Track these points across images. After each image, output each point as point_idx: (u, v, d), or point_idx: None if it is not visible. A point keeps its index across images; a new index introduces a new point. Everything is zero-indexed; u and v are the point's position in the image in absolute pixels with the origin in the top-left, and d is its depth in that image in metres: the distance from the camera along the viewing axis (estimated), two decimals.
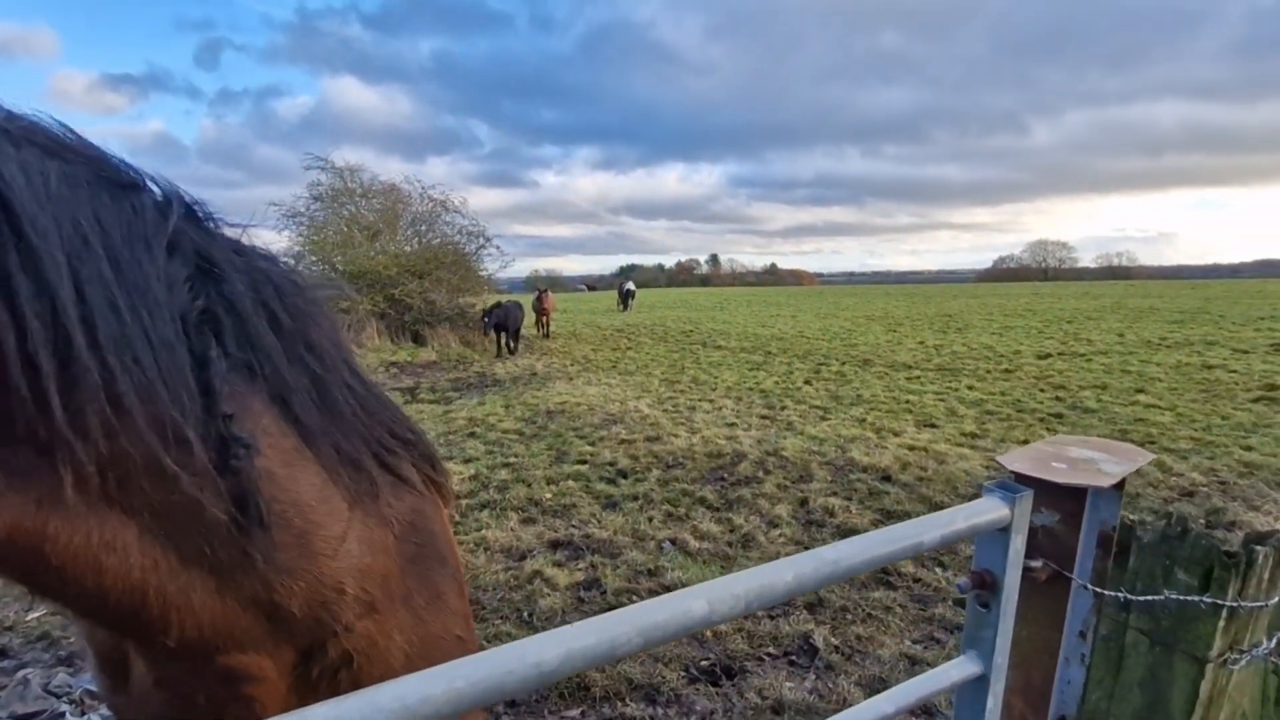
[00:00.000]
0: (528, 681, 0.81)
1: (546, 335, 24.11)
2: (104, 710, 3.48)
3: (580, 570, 5.20)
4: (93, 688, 3.65)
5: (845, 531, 5.93)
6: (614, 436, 9.27)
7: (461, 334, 20.78)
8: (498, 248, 23.61)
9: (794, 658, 4.09)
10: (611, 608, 4.45)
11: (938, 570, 5.06)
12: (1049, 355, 16.96)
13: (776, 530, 5.95)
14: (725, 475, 7.55)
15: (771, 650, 4.13)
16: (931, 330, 24.56)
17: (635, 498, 6.83)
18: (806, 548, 5.61)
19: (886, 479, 7.34)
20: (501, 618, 4.50)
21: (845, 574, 1.03)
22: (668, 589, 4.87)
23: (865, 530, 5.93)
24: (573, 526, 6.09)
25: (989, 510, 1.22)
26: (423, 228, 22.60)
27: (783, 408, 11.14)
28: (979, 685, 1.27)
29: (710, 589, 0.91)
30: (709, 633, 4.31)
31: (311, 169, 21.35)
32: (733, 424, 10.01)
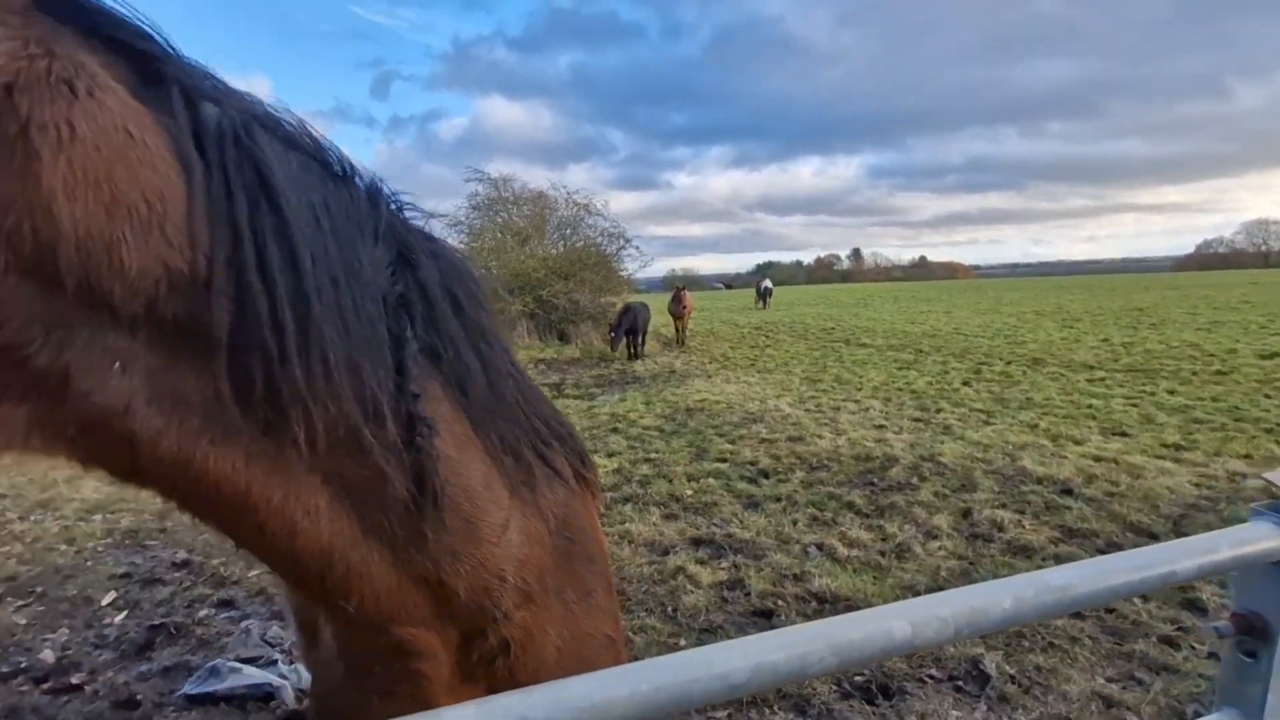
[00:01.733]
0: (713, 693, 0.76)
1: (681, 341, 21.50)
2: None
3: (723, 569, 5.12)
4: None
5: (1017, 549, 5.34)
6: (754, 435, 9.09)
7: (604, 332, 21.49)
8: (637, 248, 24.13)
9: (960, 683, 3.73)
10: (756, 610, 4.34)
11: (1136, 601, 4.40)
12: (1276, 355, 14.24)
13: (935, 542, 5.49)
14: (875, 480, 7.11)
15: (934, 673, 3.79)
16: (1117, 326, 21.63)
17: (778, 499, 6.63)
18: (971, 564, 5.13)
19: (1067, 492, 6.52)
20: (646, 610, 4.54)
21: (1073, 605, 0.87)
22: (815, 596, 4.66)
23: (1041, 548, 5.31)
24: (714, 525, 6.03)
25: (1260, 538, 0.98)
26: (568, 231, 23.65)
27: (938, 410, 10.31)
28: None
29: (911, 609, 0.81)
30: None
31: (470, 181, 23.14)
32: (881, 426, 9.42)
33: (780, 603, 4.62)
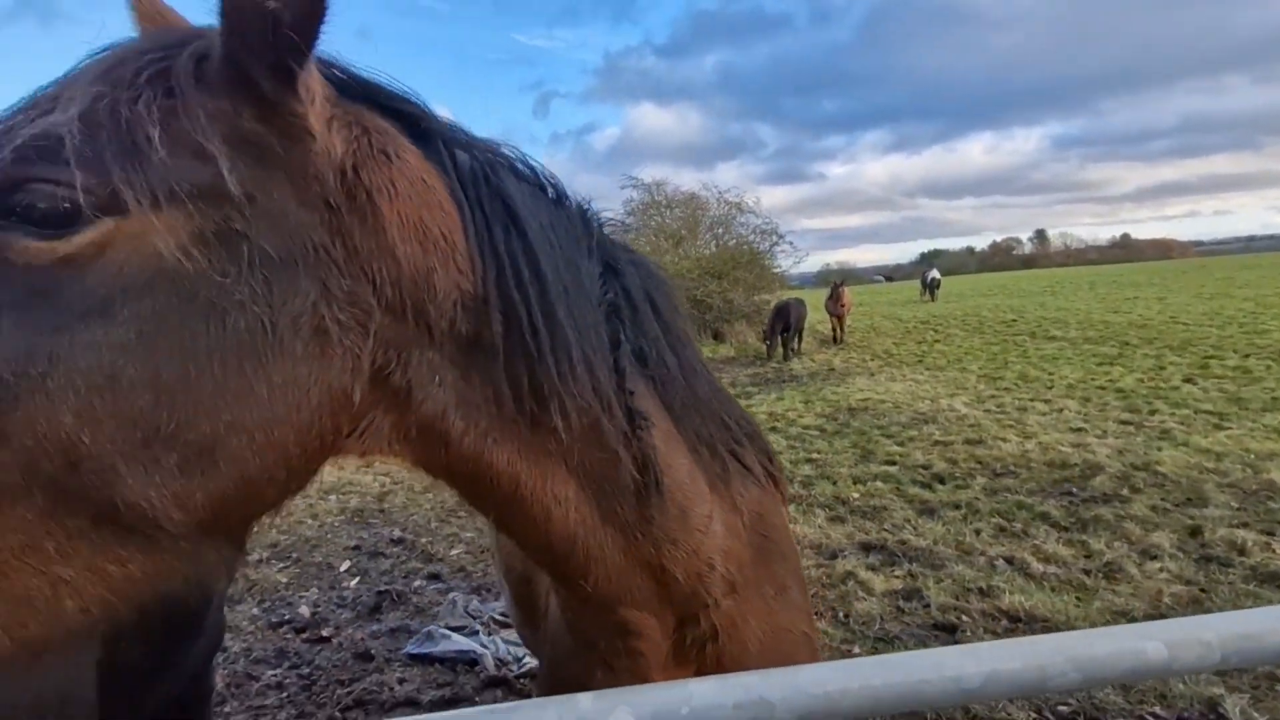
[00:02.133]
0: (947, 695, 0.79)
1: (839, 340, 20.44)
2: (505, 635, 4.41)
3: (898, 578, 4.90)
4: (498, 615, 4.65)
5: (1265, 576, 4.53)
6: (926, 437, 8.53)
7: (758, 330, 21.27)
8: (790, 244, 23.57)
9: None
10: (937, 624, 4.12)
11: None
12: None
13: (1155, 563, 4.81)
14: (1074, 490, 6.37)
15: (1159, 711, 3.35)
16: None
17: (957, 505, 6.19)
18: (1204, 591, 4.45)
19: None
20: (816, 614, 4.47)
21: None
22: (1006, 614, 4.31)
23: None
24: (885, 530, 5.77)
25: None
26: (720, 230, 23.70)
27: (1152, 411, 8.98)
28: None
29: (1167, 629, 0.77)
30: None
31: (625, 188, 24.01)
32: (1080, 429, 8.40)
33: (965, 618, 4.32)
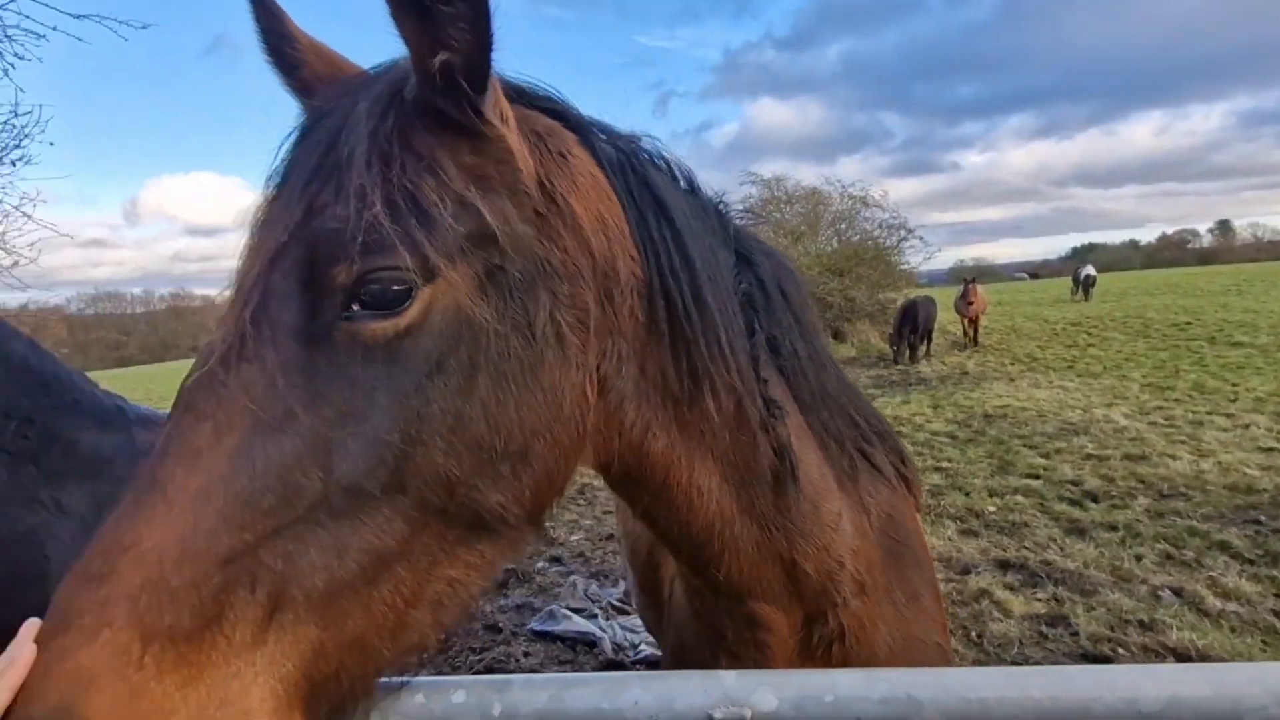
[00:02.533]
0: (1116, 716, 0.73)
1: (975, 342, 18.79)
2: (623, 621, 4.55)
3: (1040, 601, 4.51)
4: (616, 601, 4.81)
5: None
6: (1076, 449, 7.75)
7: (881, 330, 20.25)
8: (920, 239, 22.21)
9: None
10: (1087, 656, 3.76)
11: None
12: None
13: None
14: (1262, 517, 5.54)
15: None
16: None
17: (1113, 527, 5.58)
18: None
19: None
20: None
21: None
22: (1173, 651, 3.85)
23: None
24: (1026, 548, 5.32)
25: None
26: (842, 226, 22.79)
27: None
28: None
29: None
30: None
31: (744, 184, 23.70)
32: (1270, 449, 7.28)
33: (1121, 651, 3.90)
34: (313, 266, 0.82)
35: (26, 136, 6.28)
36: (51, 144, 6.52)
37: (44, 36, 5.51)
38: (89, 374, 1.80)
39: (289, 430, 0.76)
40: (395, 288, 0.81)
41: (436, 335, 0.83)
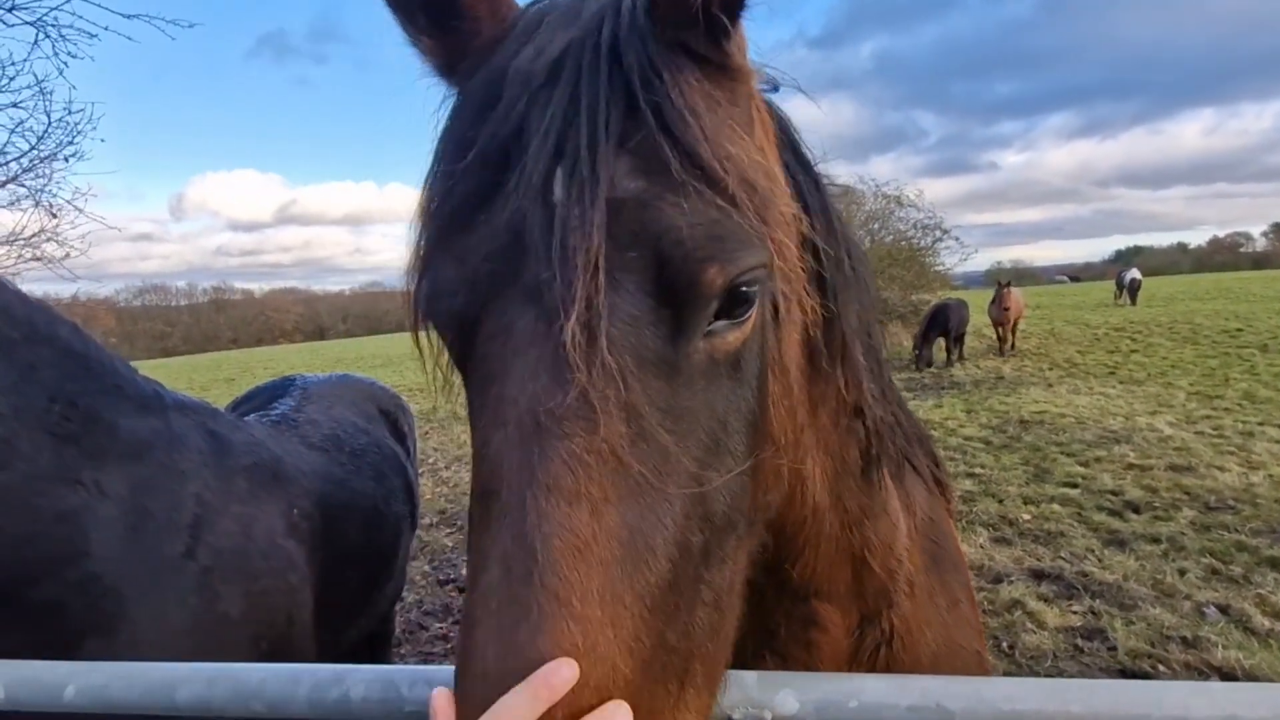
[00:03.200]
0: None
1: (1013, 346, 17.83)
2: None
3: (1076, 614, 4.37)
4: None
5: None
6: (1117, 458, 7.49)
7: (914, 332, 19.86)
8: (956, 239, 21.69)
9: None
10: (1126, 670, 3.63)
11: None
12: None
13: None
14: None
15: None
16: None
17: (1155, 539, 5.38)
18: None
19: None
20: None
21: None
22: (1218, 670, 3.70)
23: None
24: (1062, 559, 5.16)
25: None
26: (875, 226, 22.37)
27: None
28: None
29: None
30: None
31: None
32: None
33: (1162, 668, 3.76)
34: (664, 272, 0.67)
35: (79, 133, 6.51)
36: (103, 140, 6.75)
37: (96, 36, 5.70)
38: (134, 363, 1.85)
39: (671, 487, 0.66)
40: (752, 289, 0.70)
41: (757, 337, 0.75)
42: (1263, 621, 4.11)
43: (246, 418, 2.29)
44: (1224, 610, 4.28)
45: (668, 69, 0.70)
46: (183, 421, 1.69)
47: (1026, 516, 6.05)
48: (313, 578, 1.85)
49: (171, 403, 1.73)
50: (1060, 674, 3.77)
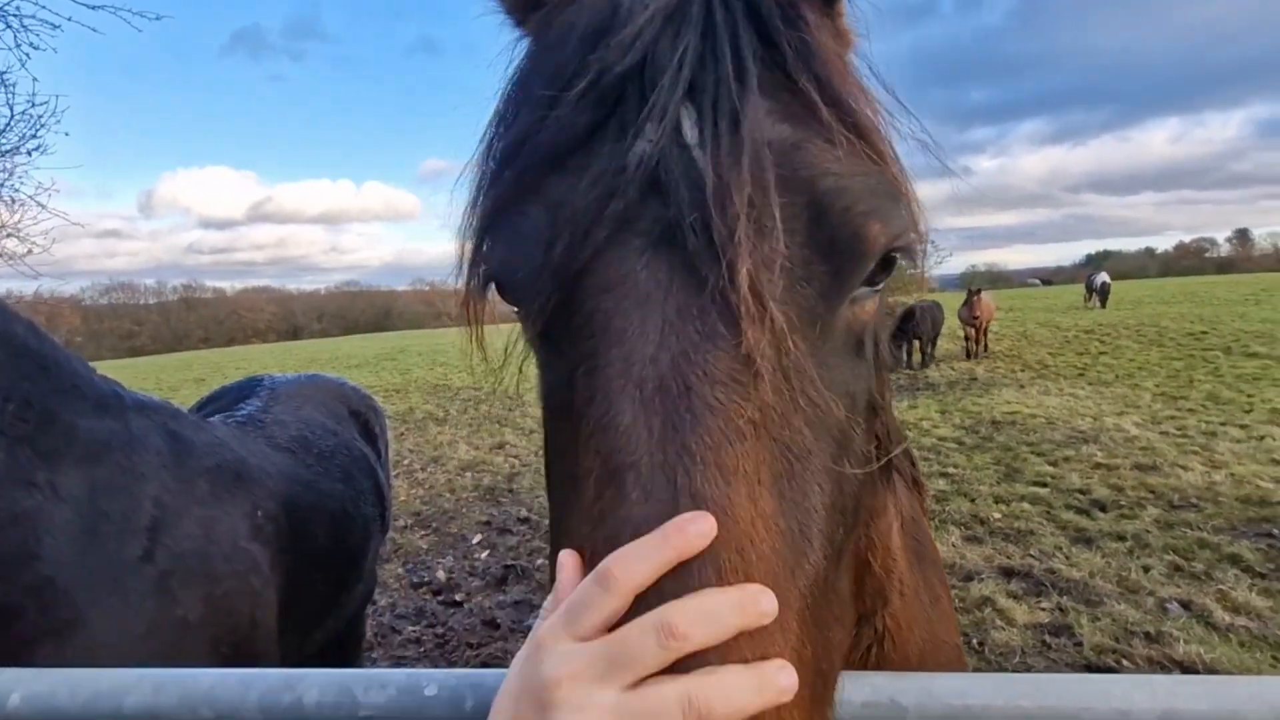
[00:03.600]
0: None
1: (985, 349, 17.91)
2: None
3: (1044, 610, 4.45)
4: None
5: None
6: (1085, 458, 7.66)
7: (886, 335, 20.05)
8: (931, 243, 21.96)
9: None
10: (1090, 666, 3.71)
11: None
12: None
13: None
14: (1275, 531, 5.44)
15: None
16: None
17: (1120, 537, 5.51)
18: None
19: None
20: None
21: None
22: (1180, 664, 3.79)
23: None
24: (1031, 556, 5.26)
25: None
26: None
27: None
28: None
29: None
30: None
31: None
32: None
33: (1126, 663, 3.85)
34: (822, 222, 0.62)
35: (42, 126, 6.33)
36: (67, 134, 6.57)
37: (59, 27, 5.55)
38: (102, 363, 1.81)
39: (818, 470, 0.62)
40: (901, 254, 0.67)
41: (878, 312, 0.72)
42: (1223, 616, 4.23)
43: (211, 418, 2.25)
44: (1186, 606, 4.39)
45: (808, 8, 0.66)
46: (142, 422, 1.65)
47: (997, 515, 6.16)
48: (277, 581, 1.82)
49: (131, 403, 1.69)
50: (1029, 669, 3.84)
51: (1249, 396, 10.50)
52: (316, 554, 2.06)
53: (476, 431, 11.72)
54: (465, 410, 14.09)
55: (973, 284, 19.63)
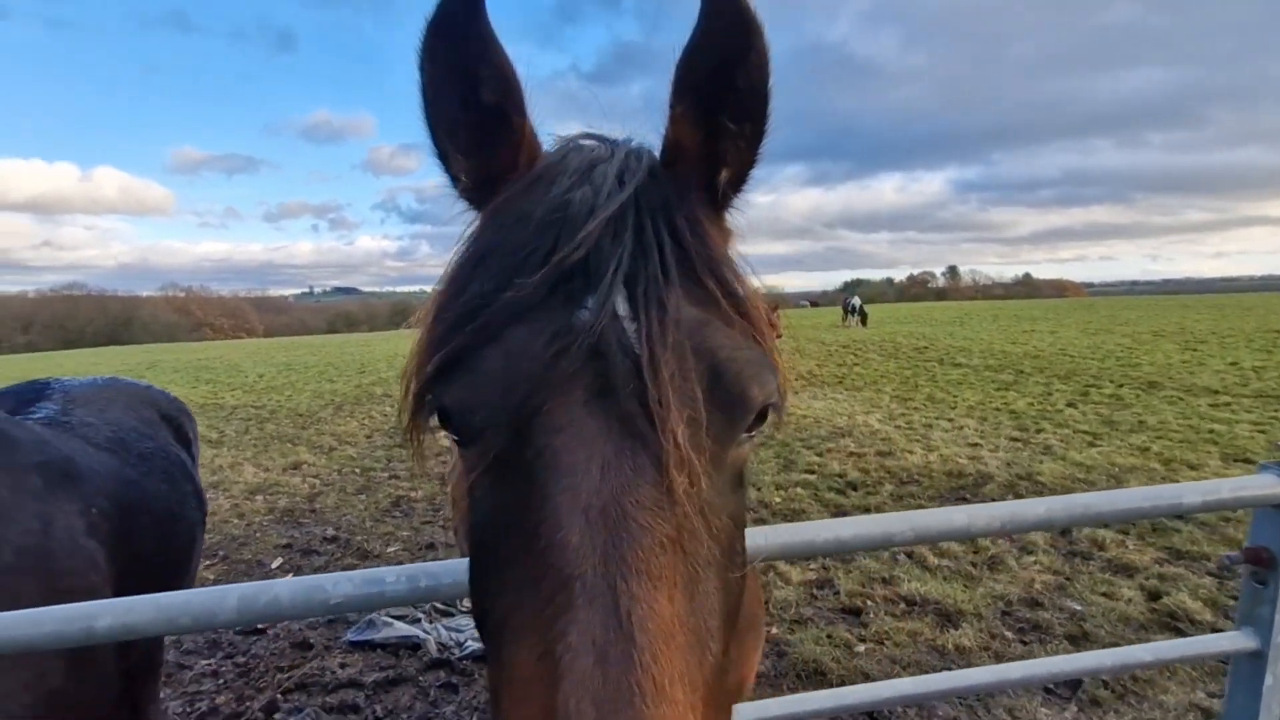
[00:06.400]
0: (819, 549, 1.16)
1: None
2: (447, 622, 4.55)
3: (812, 570, 5.39)
4: (439, 604, 4.79)
5: (1118, 567, 5.29)
6: (842, 449, 9.21)
7: None
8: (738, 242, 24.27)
9: (1050, 686, 3.85)
10: (845, 608, 4.62)
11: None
12: None
13: (1030, 557, 5.51)
14: (967, 495, 7.11)
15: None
16: (1249, 349, 19.84)
17: (866, 509, 6.79)
18: (1068, 579, 5.15)
19: (1178, 516, 6.31)
20: None
21: (1094, 520, 1.20)
22: (904, 599, 4.85)
23: (1145, 568, 5.23)
24: None
25: (1266, 486, 1.26)
26: None
27: (1038, 430, 10.03)
28: (1255, 662, 1.29)
29: (971, 511, 1.18)
30: (953, 647, 4.24)
31: None
32: (976, 444, 9.30)
33: (869, 603, 4.84)
34: (719, 384, 0.78)
35: None
36: None
37: None
38: None
39: (715, 577, 0.76)
40: (771, 408, 0.83)
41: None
42: (935, 560, 5.48)
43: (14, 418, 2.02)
44: (910, 556, 5.60)
45: (707, 224, 0.88)
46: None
47: (778, 499, 7.21)
48: (112, 580, 1.74)
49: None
50: (801, 617, 4.66)
51: (954, 397, 13.34)
52: (146, 556, 1.97)
53: (264, 452, 10.61)
54: (246, 430, 12.63)
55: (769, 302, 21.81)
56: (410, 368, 0.87)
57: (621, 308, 0.77)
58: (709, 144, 0.88)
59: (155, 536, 2.06)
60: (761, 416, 0.82)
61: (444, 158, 0.93)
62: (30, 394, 2.36)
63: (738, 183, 0.93)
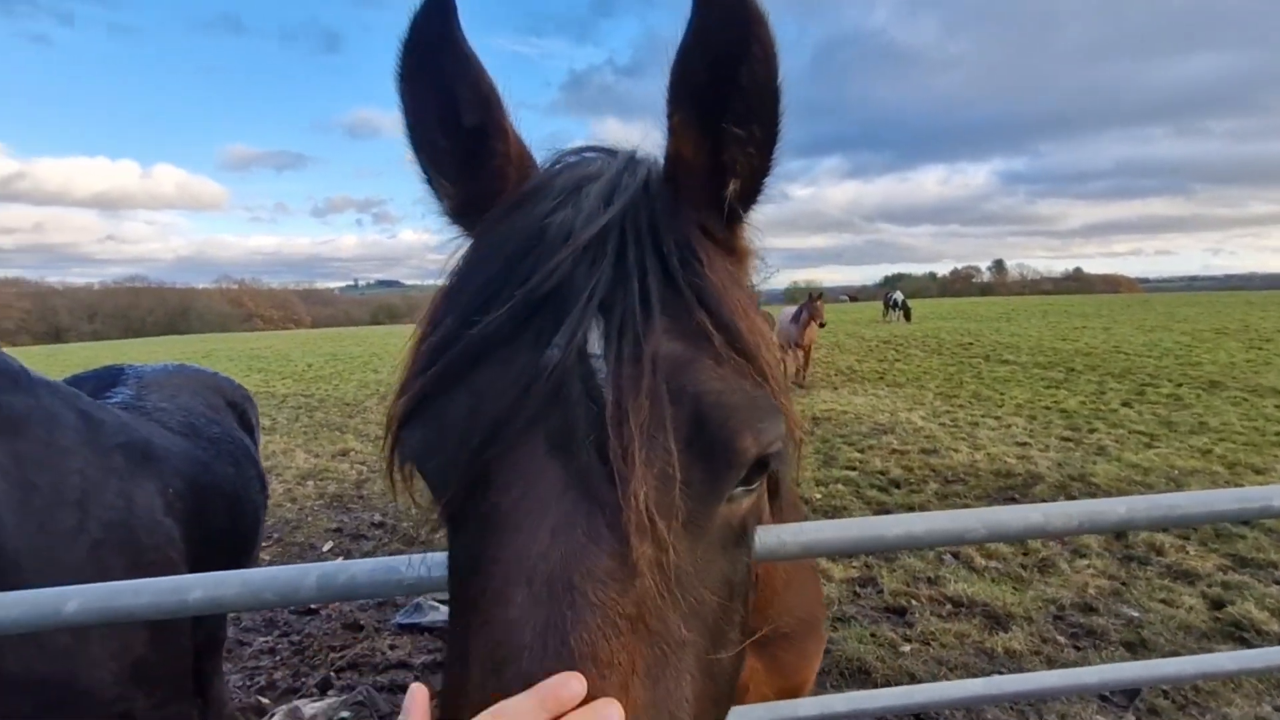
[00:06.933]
0: (894, 543, 1.13)
1: (801, 379, 15.16)
2: None
3: (855, 568, 5.32)
4: None
5: (1178, 573, 5.08)
6: (884, 446, 9.05)
7: None
8: (762, 259, 24.10)
9: (1107, 694, 3.73)
10: (889, 607, 4.54)
11: None
12: None
13: (1083, 560, 5.33)
14: (1016, 496, 6.92)
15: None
16: None
17: (910, 508, 6.66)
18: (1124, 584, 4.97)
19: (1243, 521, 6.02)
20: None
21: (1179, 521, 1.15)
22: (950, 599, 4.75)
23: (1207, 574, 5.01)
24: None
25: None
26: None
27: (1091, 430, 9.68)
28: None
29: (1048, 509, 1.14)
30: (1002, 650, 4.13)
31: None
32: (1025, 443, 9.02)
33: (914, 602, 4.75)
34: (702, 432, 0.67)
35: None
36: None
37: None
38: None
39: (690, 659, 0.65)
40: (773, 460, 0.72)
41: (756, 507, 0.77)
42: (982, 562, 5.35)
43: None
44: (956, 556, 5.48)
45: (702, 250, 0.76)
46: (53, 399, 1.60)
47: (818, 495, 7.12)
48: (187, 558, 1.82)
49: (38, 381, 1.63)
50: (844, 615, 4.61)
51: (1001, 394, 12.96)
52: (217, 536, 2.06)
53: (314, 439, 10.97)
54: (296, 418, 13.06)
55: (806, 294, 17.92)
56: (389, 407, 0.81)
57: (594, 345, 0.69)
58: (714, 154, 0.78)
59: (225, 517, 2.15)
60: (762, 466, 0.72)
61: (431, 182, 0.88)
62: (108, 379, 2.48)
63: (750, 195, 0.82)
